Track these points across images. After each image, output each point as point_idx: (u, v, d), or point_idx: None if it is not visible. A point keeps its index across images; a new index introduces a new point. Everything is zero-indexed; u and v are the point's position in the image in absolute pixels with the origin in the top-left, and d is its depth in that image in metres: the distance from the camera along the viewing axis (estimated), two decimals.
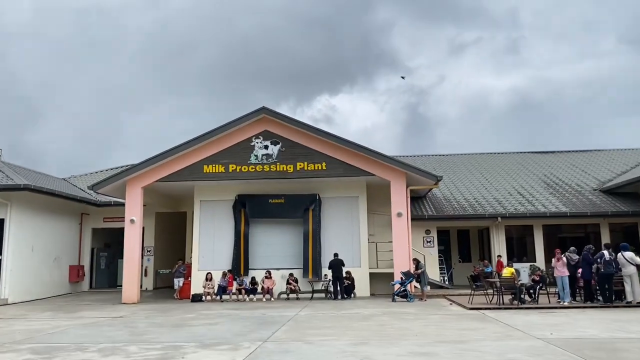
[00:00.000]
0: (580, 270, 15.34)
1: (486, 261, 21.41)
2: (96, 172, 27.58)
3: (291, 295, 18.96)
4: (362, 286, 19.39)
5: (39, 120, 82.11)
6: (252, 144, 19.33)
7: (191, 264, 20.41)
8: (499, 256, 21.35)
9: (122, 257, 22.77)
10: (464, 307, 14.95)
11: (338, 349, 8.59)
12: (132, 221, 19.08)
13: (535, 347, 8.55)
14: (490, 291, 16.03)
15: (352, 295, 18.86)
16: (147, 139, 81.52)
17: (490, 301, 15.52)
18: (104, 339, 10.02)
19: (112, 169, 26.09)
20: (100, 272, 24.95)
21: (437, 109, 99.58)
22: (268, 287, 18.87)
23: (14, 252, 19.19)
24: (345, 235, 20.06)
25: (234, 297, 18.86)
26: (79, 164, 79.42)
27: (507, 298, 15.34)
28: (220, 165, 19.26)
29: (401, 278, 17.54)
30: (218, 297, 18.75)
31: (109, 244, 25.62)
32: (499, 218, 21.33)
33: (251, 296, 18.80)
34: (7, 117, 75.10)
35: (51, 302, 19.20)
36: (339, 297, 18.27)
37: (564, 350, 8.16)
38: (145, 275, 23.68)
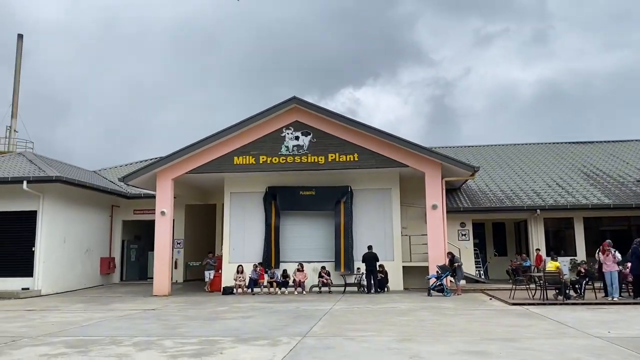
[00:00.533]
0: (629, 264, 14.55)
1: (524, 255, 20.67)
2: (126, 165, 27.62)
3: (323, 289, 18.56)
4: (395, 280, 18.88)
5: (67, 115, 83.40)
6: (283, 134, 18.95)
7: (222, 256, 20.18)
8: (538, 250, 20.58)
9: (152, 250, 22.73)
10: (506, 302, 14.32)
11: (382, 345, 8.14)
12: (162, 213, 18.93)
13: (595, 346, 7.96)
14: (532, 286, 15.37)
15: (386, 289, 18.37)
16: (171, 133, 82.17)
17: (533, 296, 14.86)
18: (138, 333, 9.77)
19: (142, 161, 26.04)
20: (130, 264, 24.96)
21: (462, 101, 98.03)
22: (300, 280, 18.53)
23: (46, 243, 19.24)
24: (377, 228, 19.57)
25: (265, 290, 18.56)
26: (106, 159, 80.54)
27: (550, 293, 14.67)
28: (250, 157, 18.93)
29: (437, 272, 16.98)
30: (249, 290, 18.47)
31: (139, 236, 25.61)
32: (538, 210, 20.53)
33: (283, 289, 18.48)
34: (38, 112, 76.48)
35: (83, 294, 19.20)
36: (373, 290, 17.80)
37: (630, 350, 7.55)
38: (175, 267, 23.57)
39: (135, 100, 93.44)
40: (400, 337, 8.86)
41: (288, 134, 18.96)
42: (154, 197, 20.20)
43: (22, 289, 18.49)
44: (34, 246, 19.01)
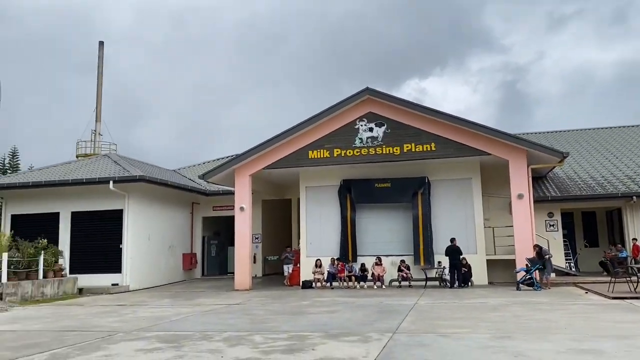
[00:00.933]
0: None
1: (619, 245, 19.26)
2: (203, 163, 28.30)
3: (403, 283, 18.15)
4: (478, 274, 18.11)
5: (144, 117, 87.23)
6: (357, 126, 18.67)
7: (299, 250, 20.22)
8: (634, 239, 19.10)
9: (231, 245, 23.16)
10: (605, 296, 13.32)
11: (480, 343, 7.67)
12: (241, 209, 19.18)
13: None
14: (634, 278, 14.20)
15: (469, 283, 17.67)
16: (241, 132, 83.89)
17: (635, 289, 13.72)
18: (226, 327, 9.81)
19: (218, 159, 26.59)
20: (211, 260, 25.57)
21: (535, 86, 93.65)
22: (379, 274, 18.20)
23: (132, 241, 20.01)
24: (458, 220, 18.85)
25: (344, 284, 18.38)
26: (181, 158, 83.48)
27: None
28: (325, 150, 18.79)
29: (526, 265, 16.10)
30: (328, 284, 18.38)
31: (219, 232, 26.18)
32: (634, 197, 19.02)
33: (362, 283, 18.23)
34: (117, 116, 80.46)
35: (168, 289, 19.81)
36: (456, 285, 17.17)
37: None
38: (254, 262, 23.88)
39: (205, 101, 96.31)
40: (498, 334, 8.34)
41: (362, 125, 18.65)
42: (231, 193, 20.54)
43: (112, 284, 19.33)
44: (121, 243, 19.83)
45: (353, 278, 18.36)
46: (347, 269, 18.59)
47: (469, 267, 17.78)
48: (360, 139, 18.55)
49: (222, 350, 7.57)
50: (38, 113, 78.88)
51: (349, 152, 18.58)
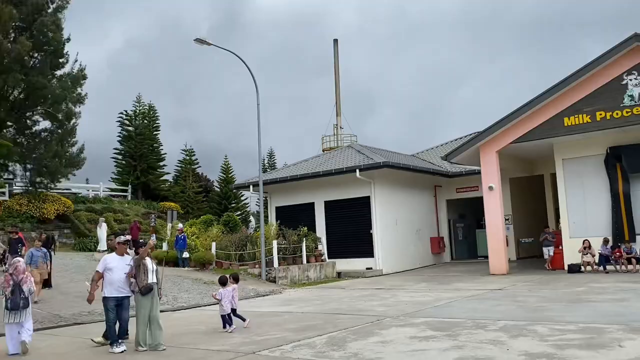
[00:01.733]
0: None
1: None
2: (441, 145, 27.62)
3: None
4: None
5: (374, 107, 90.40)
6: (624, 82, 15.88)
7: (560, 231, 18.11)
8: None
9: (478, 228, 22.05)
10: None
11: None
12: (490, 188, 17.95)
13: None
14: None
15: None
16: (471, 110, 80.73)
17: None
18: (498, 315, 8.98)
19: (458, 139, 25.57)
20: (459, 243, 24.75)
21: None
22: None
23: (381, 226, 20.40)
24: None
25: (622, 267, 15.79)
26: (413, 143, 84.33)
27: None
28: (584, 115, 16.41)
29: None
30: (600, 268, 16.02)
31: (464, 215, 25.22)
32: None
33: None
34: (351, 109, 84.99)
35: (419, 273, 19.67)
36: None
37: None
38: (507, 244, 22.30)
39: (432, 84, 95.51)
40: None
41: (631, 80, 15.79)
42: (475, 173, 19.45)
43: (367, 268, 20.00)
44: (371, 228, 20.39)
45: (633, 260, 15.64)
46: (624, 250, 15.94)
47: None
48: (631, 96, 15.71)
49: (504, 342, 6.81)
50: (285, 115, 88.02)
51: (617, 114, 15.88)
